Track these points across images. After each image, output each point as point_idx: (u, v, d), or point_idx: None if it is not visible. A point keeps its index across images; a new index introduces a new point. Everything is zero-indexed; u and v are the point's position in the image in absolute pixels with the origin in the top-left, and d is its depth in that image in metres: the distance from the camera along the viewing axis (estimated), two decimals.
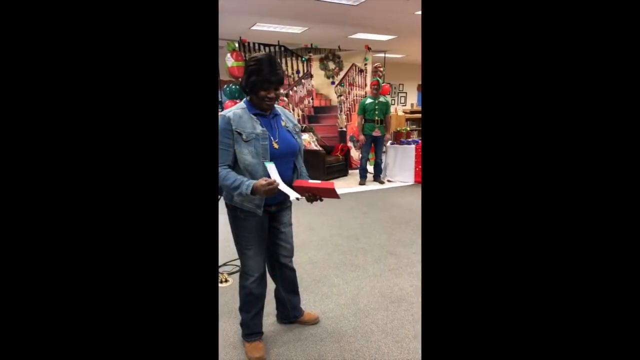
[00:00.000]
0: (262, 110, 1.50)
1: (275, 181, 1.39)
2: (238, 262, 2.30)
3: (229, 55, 5.15)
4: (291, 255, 1.77)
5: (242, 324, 1.76)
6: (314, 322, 1.95)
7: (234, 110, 1.48)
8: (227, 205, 1.59)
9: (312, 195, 1.49)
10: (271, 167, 1.45)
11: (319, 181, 1.51)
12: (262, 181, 1.38)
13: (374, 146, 5.24)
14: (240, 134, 1.44)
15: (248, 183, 1.40)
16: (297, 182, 1.51)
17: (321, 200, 1.51)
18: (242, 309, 1.73)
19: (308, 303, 2.14)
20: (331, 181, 1.65)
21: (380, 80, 5.21)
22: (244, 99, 1.54)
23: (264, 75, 1.41)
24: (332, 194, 1.44)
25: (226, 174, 1.44)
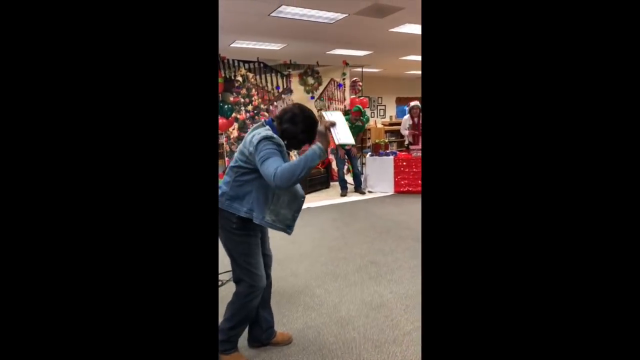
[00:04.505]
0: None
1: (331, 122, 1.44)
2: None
3: None
4: (271, 263, 1.84)
5: (225, 340, 1.68)
6: (288, 342, 1.90)
7: (271, 133, 1.53)
8: (235, 225, 1.57)
9: None
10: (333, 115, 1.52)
11: None
12: (321, 127, 1.45)
13: (348, 159, 5.42)
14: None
15: (314, 148, 1.39)
16: None
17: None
18: (242, 322, 1.69)
19: (290, 314, 2.18)
20: None
21: (361, 108, 5.44)
22: (268, 123, 1.59)
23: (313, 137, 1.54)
24: None
25: (289, 165, 1.38)
